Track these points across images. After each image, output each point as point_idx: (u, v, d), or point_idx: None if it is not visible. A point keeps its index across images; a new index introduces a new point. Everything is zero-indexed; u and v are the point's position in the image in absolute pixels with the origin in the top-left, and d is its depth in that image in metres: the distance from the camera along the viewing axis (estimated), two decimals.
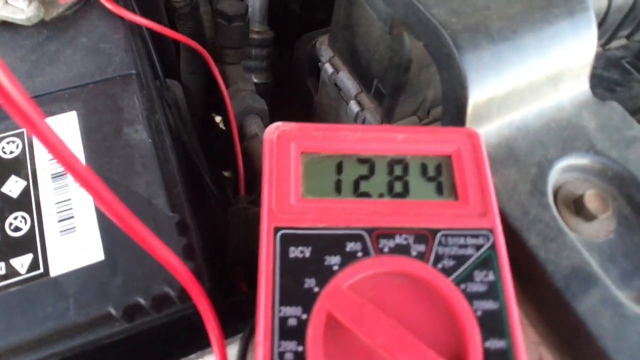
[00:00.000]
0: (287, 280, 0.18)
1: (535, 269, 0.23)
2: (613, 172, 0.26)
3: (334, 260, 0.19)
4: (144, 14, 0.28)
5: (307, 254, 0.19)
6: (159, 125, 0.25)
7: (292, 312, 0.18)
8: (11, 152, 0.22)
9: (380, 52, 0.32)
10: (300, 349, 0.17)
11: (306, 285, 0.18)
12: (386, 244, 0.19)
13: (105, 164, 0.22)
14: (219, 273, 0.26)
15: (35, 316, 0.19)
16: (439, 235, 0.20)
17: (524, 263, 0.23)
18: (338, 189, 0.21)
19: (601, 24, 0.37)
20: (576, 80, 0.27)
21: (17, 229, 0.20)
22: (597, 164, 0.26)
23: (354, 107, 0.36)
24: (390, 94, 0.33)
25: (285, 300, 0.18)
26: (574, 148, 0.26)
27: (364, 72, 0.35)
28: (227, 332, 0.20)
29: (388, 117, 0.35)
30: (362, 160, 0.22)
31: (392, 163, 0.22)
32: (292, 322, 0.18)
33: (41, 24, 0.25)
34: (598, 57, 0.38)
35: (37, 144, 0.22)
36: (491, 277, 0.19)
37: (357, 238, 0.19)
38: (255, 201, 0.35)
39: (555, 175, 0.26)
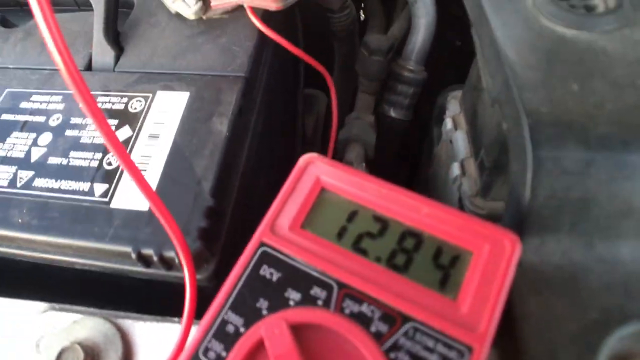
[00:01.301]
0: (246, 291, 0.19)
1: None
2: None
3: (294, 295, 0.19)
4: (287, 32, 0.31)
5: (274, 278, 0.19)
6: (247, 125, 0.28)
7: (235, 320, 0.19)
8: (134, 109, 0.28)
9: (492, 123, 0.29)
10: (223, 354, 0.18)
11: (258, 305, 0.19)
12: (350, 306, 0.18)
13: (186, 140, 0.26)
14: None
15: (87, 229, 0.24)
16: (409, 324, 0.18)
17: None
18: (340, 235, 0.20)
19: None
20: None
21: (110, 163, 0.26)
22: None
23: (455, 169, 0.34)
24: (491, 169, 0.30)
25: (234, 307, 0.19)
26: None
27: (476, 138, 0.32)
28: None
29: (485, 192, 0.31)
30: (378, 219, 0.21)
31: (406, 234, 0.20)
32: (230, 328, 0.18)
33: (200, 21, 0.31)
34: None
35: (153, 107, 0.28)
36: None
37: (325, 286, 0.19)
38: None
39: (629, 338, 0.20)
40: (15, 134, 0.28)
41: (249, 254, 0.20)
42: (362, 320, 0.18)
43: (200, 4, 0.29)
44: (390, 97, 0.44)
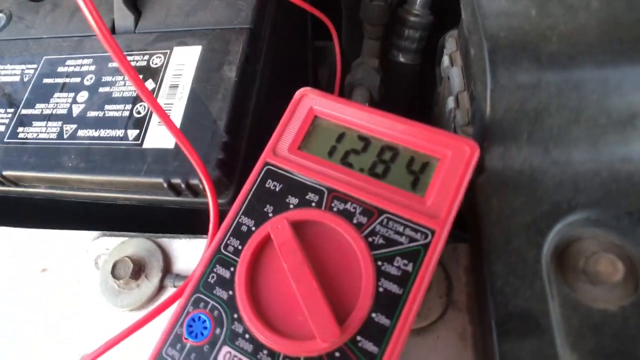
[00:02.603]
0: (255, 200, 0.25)
1: (485, 295, 0.24)
2: None
3: (292, 200, 0.25)
4: None
5: (277, 189, 0.25)
6: (255, 72, 0.34)
7: (247, 222, 0.25)
8: (155, 64, 0.34)
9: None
10: (240, 247, 0.24)
11: (265, 209, 0.25)
12: (337, 205, 0.24)
13: (202, 87, 0.32)
14: None
15: (125, 167, 0.31)
16: (384, 215, 0.24)
17: (481, 288, 0.25)
18: (330, 153, 0.26)
19: None
20: None
21: (139, 112, 0.32)
22: None
23: (450, 103, 0.38)
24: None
25: (246, 212, 0.25)
26: (615, 204, 0.24)
27: (468, 72, 0.37)
28: None
29: (474, 120, 0.36)
30: (361, 137, 0.26)
31: (385, 148, 0.26)
32: (244, 228, 0.25)
33: None
34: None
35: (171, 62, 0.34)
36: (409, 268, 0.22)
37: (317, 191, 0.25)
38: None
39: (576, 225, 0.25)
40: (57, 94, 0.35)
41: (256, 171, 0.26)
42: (347, 215, 0.24)
43: None
44: (399, 43, 0.48)
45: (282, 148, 0.26)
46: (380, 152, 0.26)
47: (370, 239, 0.23)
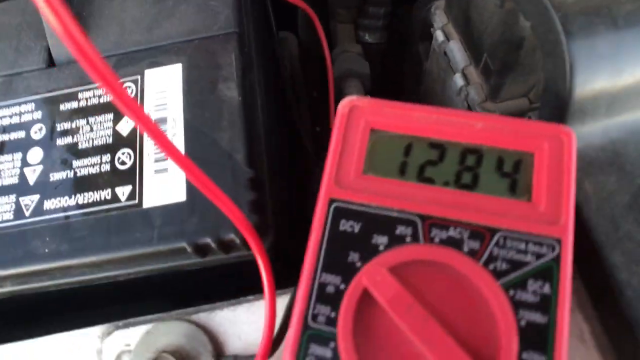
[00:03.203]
0: (333, 250, 0.20)
1: (611, 290, 0.21)
2: None
3: (381, 240, 0.20)
4: None
5: (356, 230, 0.20)
6: (253, 84, 0.28)
7: (332, 280, 0.20)
8: None
9: (493, 25, 0.30)
10: (333, 315, 0.19)
11: (350, 259, 0.20)
12: (438, 234, 0.20)
13: (198, 116, 0.26)
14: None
15: (127, 238, 0.24)
16: (497, 235, 0.20)
17: (600, 282, 0.22)
18: (402, 171, 0.22)
19: None
20: None
21: (123, 162, 0.25)
22: None
23: (458, 80, 0.35)
24: (499, 71, 0.31)
25: (327, 268, 0.20)
26: None
27: (474, 45, 0.34)
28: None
29: (493, 95, 0.33)
30: (434, 145, 0.22)
31: (466, 152, 0.22)
32: (330, 289, 0.20)
33: None
34: None
35: (147, 91, 0.27)
36: (547, 290, 0.19)
37: (408, 223, 0.20)
38: None
39: None
40: None
41: (322, 213, 0.21)
42: (454, 243, 0.20)
43: None
44: (364, 22, 0.44)
45: (345, 177, 0.21)
46: (461, 158, 0.22)
47: (491, 267, 0.19)
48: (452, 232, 0.20)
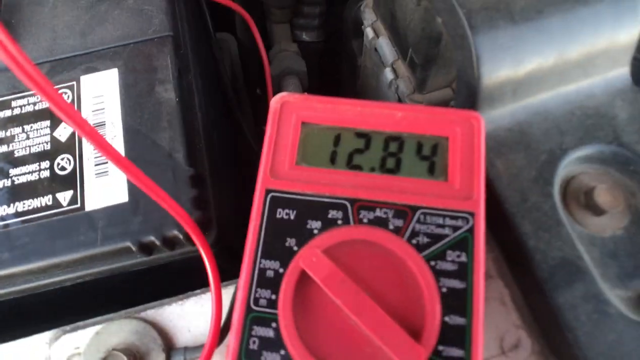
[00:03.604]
0: (271, 237, 0.22)
1: (522, 256, 0.24)
2: (635, 167, 0.25)
3: (315, 224, 0.22)
4: None
5: (292, 217, 0.22)
6: (190, 85, 0.29)
7: (271, 265, 0.21)
8: None
9: (415, 22, 0.33)
10: (273, 297, 0.21)
11: (287, 244, 0.21)
12: (366, 215, 0.22)
13: (137, 118, 0.26)
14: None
15: (72, 242, 0.24)
16: (418, 212, 0.22)
17: (513, 250, 0.25)
18: (332, 160, 0.23)
19: None
20: (612, 65, 0.26)
21: (63, 168, 0.25)
22: (620, 156, 0.26)
23: (389, 74, 0.37)
24: (423, 64, 0.34)
25: (266, 254, 0.21)
26: (595, 138, 0.26)
27: (400, 40, 0.36)
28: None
29: (420, 87, 0.36)
30: (360, 135, 0.24)
31: (389, 139, 0.24)
32: (269, 273, 0.21)
33: None
34: None
35: (84, 96, 0.27)
36: (463, 258, 0.21)
37: (339, 207, 0.22)
38: None
39: (569, 165, 0.26)
40: None
41: (259, 203, 0.22)
42: (380, 222, 0.22)
43: None
44: (300, 22, 0.46)
45: (279, 168, 0.23)
46: (385, 145, 0.24)
47: (414, 241, 0.21)
48: (378, 213, 0.22)
